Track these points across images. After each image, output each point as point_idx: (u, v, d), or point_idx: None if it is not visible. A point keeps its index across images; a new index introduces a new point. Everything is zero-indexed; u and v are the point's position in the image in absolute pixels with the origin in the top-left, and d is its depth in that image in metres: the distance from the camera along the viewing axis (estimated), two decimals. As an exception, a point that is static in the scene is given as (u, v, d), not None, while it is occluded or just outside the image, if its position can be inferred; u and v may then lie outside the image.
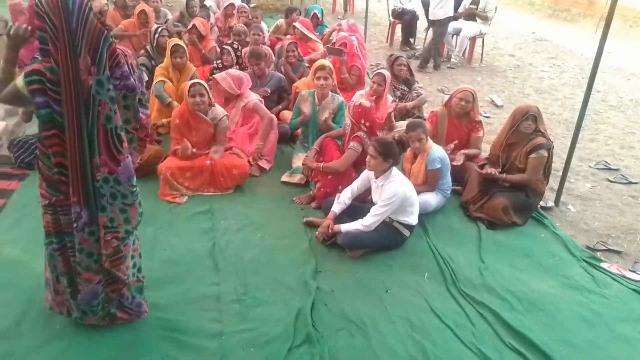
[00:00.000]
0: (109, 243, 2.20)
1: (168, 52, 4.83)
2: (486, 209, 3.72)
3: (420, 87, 5.70)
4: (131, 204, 2.18)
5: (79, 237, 2.18)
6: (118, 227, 2.20)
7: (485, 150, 4.43)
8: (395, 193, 3.14)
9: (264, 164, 4.29)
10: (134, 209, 2.20)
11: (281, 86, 5.05)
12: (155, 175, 3.91)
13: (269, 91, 4.88)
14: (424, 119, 3.93)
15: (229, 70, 4.51)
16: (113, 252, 2.23)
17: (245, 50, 5.26)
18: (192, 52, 5.74)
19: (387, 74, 4.62)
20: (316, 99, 4.34)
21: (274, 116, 4.44)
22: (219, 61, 5.30)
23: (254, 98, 4.45)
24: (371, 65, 7.86)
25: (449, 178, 3.83)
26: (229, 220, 3.57)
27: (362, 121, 3.69)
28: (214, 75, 4.46)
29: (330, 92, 4.35)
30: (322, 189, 3.75)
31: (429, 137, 3.74)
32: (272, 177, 4.25)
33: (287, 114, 4.77)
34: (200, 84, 3.88)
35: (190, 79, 4.55)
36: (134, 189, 2.17)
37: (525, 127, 3.69)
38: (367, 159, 3.24)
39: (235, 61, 5.12)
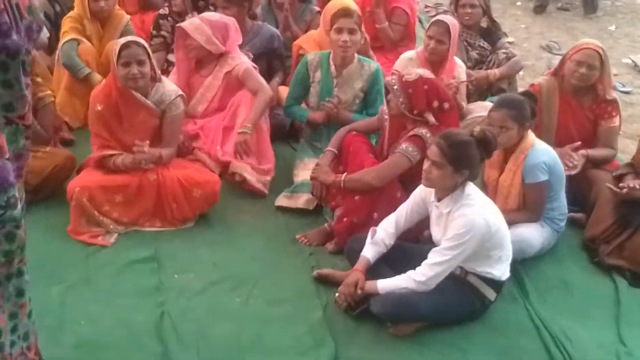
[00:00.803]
0: None
1: (83, -10, 4.88)
2: (629, 251, 3.70)
3: (511, 44, 5.70)
4: None
5: None
6: None
7: (625, 151, 4.42)
8: (471, 226, 3.13)
9: (252, 177, 4.27)
10: None
11: (272, 48, 5.10)
12: (63, 199, 3.93)
13: (251, 55, 4.92)
14: (528, 96, 3.88)
15: (207, 14, 4.59)
16: None
17: None
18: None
19: (453, 21, 4.64)
20: (333, 67, 4.38)
21: (272, 91, 4.50)
22: (168, 5, 5.38)
23: (245, 61, 4.53)
24: (427, 7, 7.89)
25: (563, 198, 3.81)
26: (188, 274, 3.58)
27: (435, 103, 3.69)
28: (181, 24, 4.54)
29: (356, 55, 4.39)
30: (344, 219, 3.76)
31: (529, 128, 3.71)
32: (259, 200, 4.27)
33: (284, 93, 4.79)
34: (137, 44, 3.93)
35: (122, 36, 4.58)
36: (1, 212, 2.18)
37: None
38: (425, 168, 3.24)
39: (191, 5, 5.19)
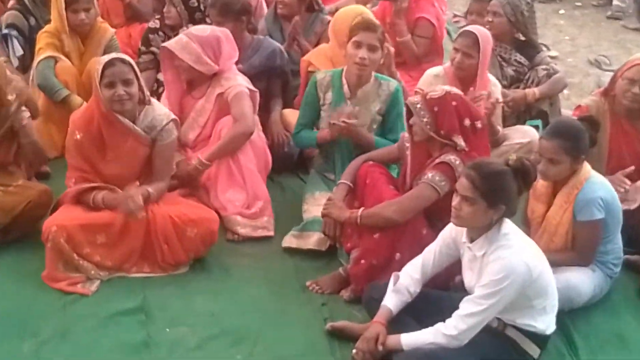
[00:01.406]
0: None
1: (60, 3, 4.89)
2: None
3: (553, 58, 5.66)
4: None
5: None
6: None
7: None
8: (509, 270, 3.08)
9: (247, 230, 4.27)
10: None
11: (273, 66, 5.08)
12: (37, 239, 3.90)
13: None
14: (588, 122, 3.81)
15: (195, 29, 4.57)
16: None
17: None
18: (109, 2, 5.90)
19: (484, 32, 4.65)
20: (345, 86, 4.37)
21: (254, 127, 4.43)
22: (159, 17, 5.40)
23: (241, 83, 4.50)
24: (456, 16, 7.90)
25: (618, 240, 3.77)
26: (181, 328, 3.55)
27: (467, 122, 3.67)
28: (165, 43, 4.52)
29: (373, 73, 4.36)
30: (362, 261, 3.71)
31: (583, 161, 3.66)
32: (263, 240, 4.28)
33: (292, 117, 4.80)
34: (123, 61, 3.92)
35: (105, 53, 4.59)
36: None
37: None
38: (454, 204, 3.20)
39: (187, 18, 5.18)
